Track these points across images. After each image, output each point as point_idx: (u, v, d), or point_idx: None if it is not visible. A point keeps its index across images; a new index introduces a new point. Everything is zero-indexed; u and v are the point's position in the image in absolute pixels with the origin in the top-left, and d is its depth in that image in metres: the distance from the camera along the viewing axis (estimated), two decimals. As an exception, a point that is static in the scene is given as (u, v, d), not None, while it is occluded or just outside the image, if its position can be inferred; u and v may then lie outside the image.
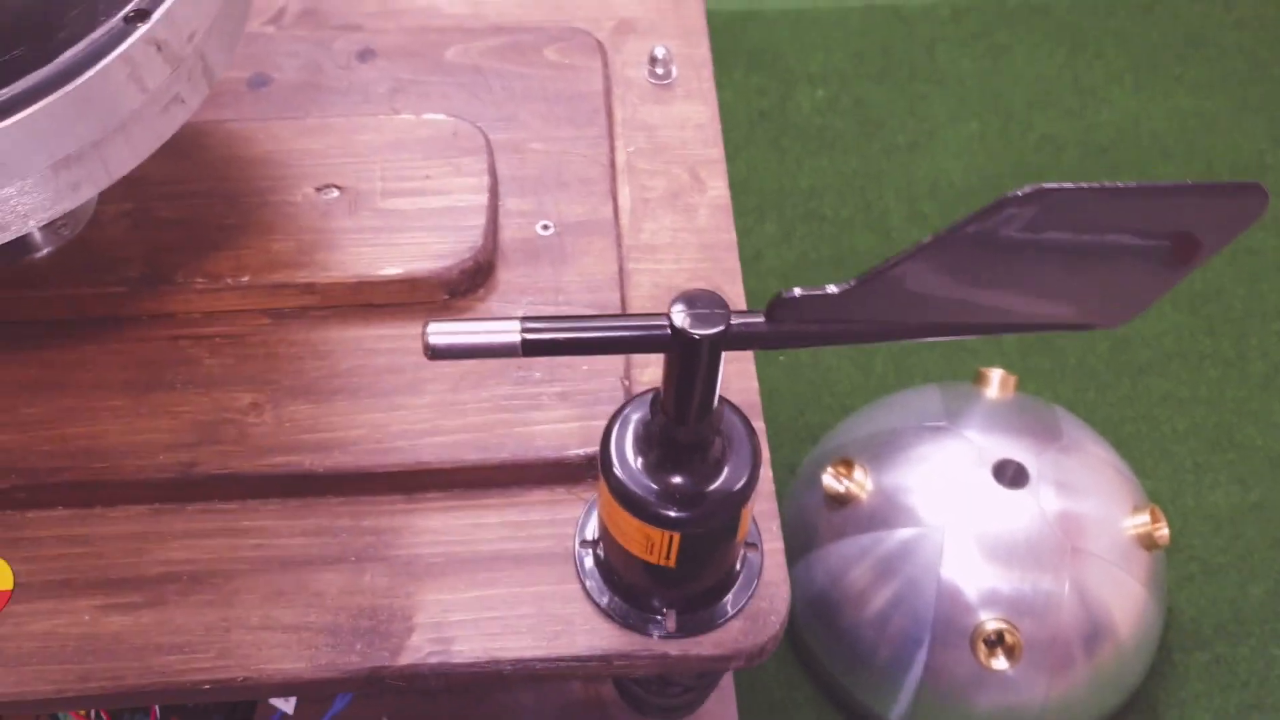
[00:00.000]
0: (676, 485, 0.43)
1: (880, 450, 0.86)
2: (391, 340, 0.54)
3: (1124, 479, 0.88)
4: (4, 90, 0.41)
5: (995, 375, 0.91)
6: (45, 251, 0.54)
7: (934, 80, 1.26)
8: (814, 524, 0.88)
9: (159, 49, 0.44)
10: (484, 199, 0.57)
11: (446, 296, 0.55)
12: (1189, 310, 1.10)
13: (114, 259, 0.54)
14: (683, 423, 0.41)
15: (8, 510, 0.50)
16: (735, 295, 0.59)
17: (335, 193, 0.57)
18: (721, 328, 0.38)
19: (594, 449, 0.50)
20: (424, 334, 0.38)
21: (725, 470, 0.43)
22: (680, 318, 0.38)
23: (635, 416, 0.44)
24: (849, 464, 0.86)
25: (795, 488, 0.95)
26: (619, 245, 0.59)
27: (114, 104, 0.44)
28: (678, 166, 0.64)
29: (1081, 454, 0.87)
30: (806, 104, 1.22)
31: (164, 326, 0.54)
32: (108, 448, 0.50)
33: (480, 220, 0.56)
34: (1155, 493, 1.01)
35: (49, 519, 0.50)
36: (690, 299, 0.38)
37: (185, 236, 0.55)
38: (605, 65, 0.66)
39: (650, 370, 0.56)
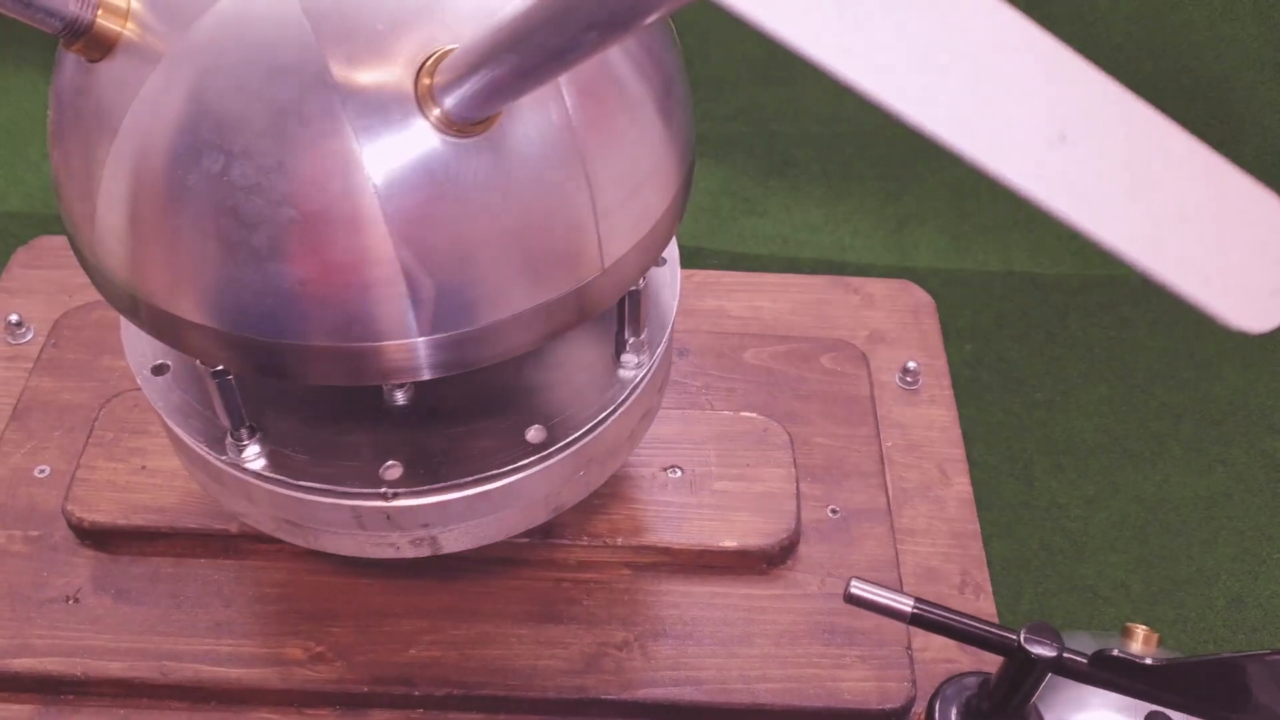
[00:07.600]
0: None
1: (1045, 692, 0.99)
2: (724, 597, 0.70)
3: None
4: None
5: (1140, 631, 1.04)
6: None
7: (1067, 344, 1.43)
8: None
9: None
10: (793, 487, 0.73)
11: (765, 565, 0.71)
12: (1298, 577, 1.23)
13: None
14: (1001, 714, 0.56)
15: (434, 711, 0.65)
16: (982, 579, 0.74)
17: (679, 473, 0.73)
18: (1054, 655, 0.53)
19: (889, 705, 0.65)
20: (848, 585, 0.53)
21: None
22: (1025, 637, 0.53)
23: (955, 696, 0.59)
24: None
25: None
26: (892, 530, 0.74)
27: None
28: (928, 462, 0.80)
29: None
30: (955, 356, 1.39)
31: (549, 570, 0.70)
32: (518, 669, 0.65)
33: (792, 506, 0.72)
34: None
35: (466, 720, 0.65)
36: (1033, 628, 0.53)
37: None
38: (869, 373, 0.83)
39: (918, 638, 0.70)
